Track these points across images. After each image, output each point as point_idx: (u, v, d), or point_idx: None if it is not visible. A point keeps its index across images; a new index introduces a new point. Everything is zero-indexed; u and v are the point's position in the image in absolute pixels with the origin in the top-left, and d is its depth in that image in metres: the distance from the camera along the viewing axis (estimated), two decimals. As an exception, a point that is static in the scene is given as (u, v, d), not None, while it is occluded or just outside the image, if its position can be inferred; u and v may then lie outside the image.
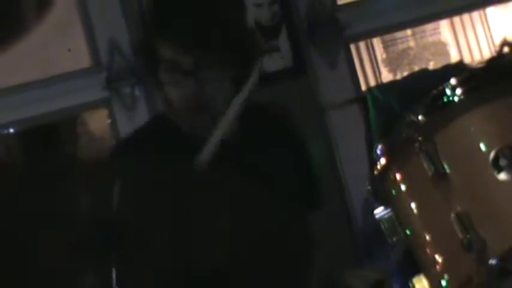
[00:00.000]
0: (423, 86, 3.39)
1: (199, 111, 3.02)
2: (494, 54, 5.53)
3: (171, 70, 3.00)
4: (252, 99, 2.96)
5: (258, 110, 3.17)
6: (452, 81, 2.49)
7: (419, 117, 2.50)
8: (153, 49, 3.02)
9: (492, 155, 2.43)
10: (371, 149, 3.88)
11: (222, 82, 3.05)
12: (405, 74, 5.82)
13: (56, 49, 4.84)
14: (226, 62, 3.03)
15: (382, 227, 2.87)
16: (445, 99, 2.49)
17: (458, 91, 2.48)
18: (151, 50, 3.04)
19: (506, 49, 3.31)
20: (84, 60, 4.75)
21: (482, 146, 2.47)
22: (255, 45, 3.24)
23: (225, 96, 3.05)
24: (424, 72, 4.91)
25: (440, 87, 2.51)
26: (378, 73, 6.11)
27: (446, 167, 2.47)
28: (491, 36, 6.25)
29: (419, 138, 2.49)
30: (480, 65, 3.39)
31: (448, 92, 2.49)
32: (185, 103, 3.03)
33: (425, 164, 2.49)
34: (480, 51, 6.31)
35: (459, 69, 4.24)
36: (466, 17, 6.12)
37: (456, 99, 2.48)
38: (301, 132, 3.21)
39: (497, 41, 6.01)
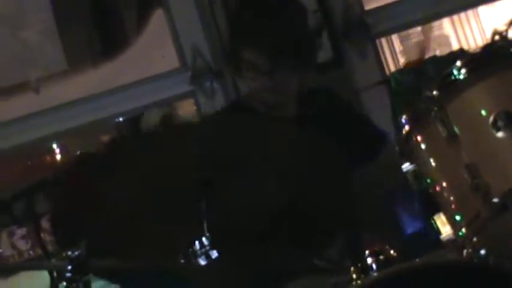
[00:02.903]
0: (433, 70, 3.39)
1: (272, 100, 3.00)
2: (487, 42, 5.49)
3: (250, 69, 2.99)
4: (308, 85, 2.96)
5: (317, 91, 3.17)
6: (458, 63, 2.48)
7: (434, 92, 2.49)
8: (237, 52, 3.00)
9: (491, 118, 2.42)
10: (396, 119, 3.88)
11: (291, 80, 3.03)
12: (418, 61, 5.78)
13: (152, 56, 4.88)
14: (296, 64, 3.01)
15: (408, 178, 2.87)
16: (453, 78, 2.48)
17: (463, 71, 2.47)
18: (235, 52, 3.02)
19: (496, 37, 3.28)
20: (173, 63, 4.77)
21: (483, 112, 2.45)
22: (317, 48, 3.22)
23: (293, 91, 3.05)
24: (433, 58, 4.89)
25: (449, 69, 2.50)
26: (397, 61, 6.09)
27: (456, 130, 2.46)
28: (482, 29, 6.22)
29: (435, 109, 2.47)
30: (477, 51, 3.36)
31: (455, 72, 2.47)
32: (261, 97, 3.02)
33: (440, 128, 2.47)
34: (474, 40, 6.27)
35: (461, 55, 4.23)
36: (462, 14, 6.08)
37: (461, 77, 2.47)
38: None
39: (488, 33, 5.97)
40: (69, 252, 2.32)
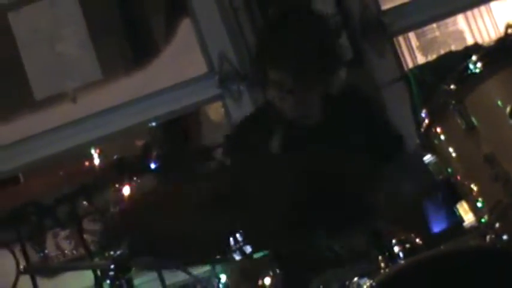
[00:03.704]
0: (450, 64, 3.37)
1: (298, 114, 2.98)
2: (500, 36, 5.45)
3: (276, 88, 2.97)
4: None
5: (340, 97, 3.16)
6: (473, 58, 2.46)
7: (452, 86, 2.48)
8: (264, 72, 2.98)
9: (508, 109, 2.40)
10: (416, 112, 3.86)
11: (314, 97, 3.02)
12: (435, 56, 5.76)
13: (181, 63, 4.88)
14: (319, 84, 3.00)
15: (431, 169, 2.86)
16: (469, 72, 2.46)
17: (479, 65, 2.45)
18: (262, 72, 3.00)
19: (509, 31, 3.25)
20: (201, 68, 4.77)
21: (500, 103, 2.43)
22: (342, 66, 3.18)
23: (317, 108, 3.03)
24: (449, 53, 4.86)
25: (465, 63, 2.49)
26: (414, 57, 6.06)
27: (474, 121, 2.44)
28: (495, 23, 6.17)
29: (453, 102, 2.46)
30: (491, 45, 3.33)
31: (471, 66, 2.46)
32: (287, 114, 3.00)
33: (458, 120, 2.46)
34: (488, 34, 6.23)
35: (475, 49, 4.19)
36: (475, 10, 6.04)
37: (477, 70, 2.45)
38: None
39: (501, 27, 5.93)
40: (112, 252, 2.33)
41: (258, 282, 2.73)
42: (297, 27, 2.97)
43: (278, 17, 3.12)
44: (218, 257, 2.59)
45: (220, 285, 3.34)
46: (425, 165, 2.98)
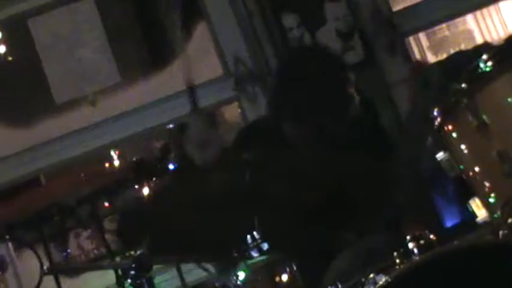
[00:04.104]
0: (460, 63, 3.35)
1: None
2: (509, 34, 5.43)
3: (291, 138, 2.91)
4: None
5: None
6: (484, 56, 2.45)
7: (463, 85, 2.47)
8: (278, 123, 2.93)
9: (519, 106, 2.40)
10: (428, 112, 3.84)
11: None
12: (445, 55, 5.75)
13: (197, 65, 4.87)
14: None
15: (443, 166, 2.85)
16: (480, 70, 2.45)
17: (489, 63, 2.44)
18: (276, 124, 2.93)
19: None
20: (217, 71, 4.77)
21: (510, 100, 2.42)
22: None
23: None
24: (460, 53, 4.83)
25: (475, 62, 2.47)
26: (424, 57, 6.05)
27: (485, 118, 2.43)
28: (504, 23, 6.15)
29: (464, 100, 2.45)
30: (501, 44, 3.31)
31: (481, 65, 2.45)
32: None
33: (470, 118, 2.45)
34: (497, 33, 6.21)
35: (485, 48, 4.17)
36: (484, 10, 6.03)
37: (488, 69, 2.44)
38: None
39: (509, 26, 5.91)
40: (133, 252, 2.34)
41: (275, 278, 2.73)
42: (312, 79, 2.90)
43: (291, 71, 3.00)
44: (236, 254, 2.59)
45: (239, 282, 3.33)
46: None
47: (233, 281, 3.15)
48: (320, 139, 2.84)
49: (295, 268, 2.67)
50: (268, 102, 3.16)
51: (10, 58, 5.05)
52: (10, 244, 4.70)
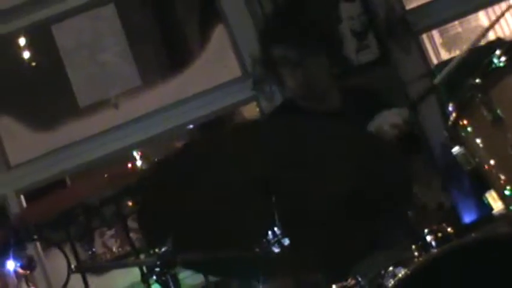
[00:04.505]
0: (474, 59, 3.32)
1: (310, 92, 3.02)
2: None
3: (283, 64, 3.02)
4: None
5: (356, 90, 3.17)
6: (497, 52, 2.44)
7: (477, 80, 2.46)
8: (268, 51, 3.05)
9: (532, 100, 2.39)
10: (443, 108, 3.83)
11: (320, 68, 3.06)
12: (458, 52, 5.72)
13: (216, 67, 4.89)
14: (321, 54, 3.04)
15: (458, 160, 2.84)
16: (494, 66, 2.44)
17: (502, 59, 2.43)
18: (267, 53, 3.07)
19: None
20: (235, 72, 4.78)
21: (524, 95, 2.42)
22: (339, 42, 3.25)
23: (325, 79, 3.07)
24: (473, 49, 4.80)
25: (489, 58, 2.46)
26: (438, 54, 6.03)
27: (500, 113, 2.42)
28: (516, 19, 6.13)
29: (479, 95, 2.44)
30: (513, 39, 3.30)
31: (495, 60, 2.44)
32: (299, 88, 3.04)
33: (485, 113, 2.43)
34: (509, 29, 6.18)
35: (498, 44, 4.15)
36: (496, 6, 5.99)
37: (501, 64, 2.43)
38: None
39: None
40: (157, 249, 2.34)
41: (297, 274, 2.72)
42: (296, 9, 3.06)
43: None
44: (257, 250, 2.58)
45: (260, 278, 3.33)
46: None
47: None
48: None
49: (316, 263, 2.66)
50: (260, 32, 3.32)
51: (34, 63, 5.08)
52: (38, 244, 4.72)
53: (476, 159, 2.60)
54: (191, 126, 5.04)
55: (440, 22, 5.08)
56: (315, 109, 3.08)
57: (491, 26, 4.50)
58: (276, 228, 2.34)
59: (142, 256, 4.24)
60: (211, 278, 3.95)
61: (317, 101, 3.09)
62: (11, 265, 3.86)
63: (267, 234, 2.36)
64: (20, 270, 3.89)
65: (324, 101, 3.11)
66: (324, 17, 3.21)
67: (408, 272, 2.28)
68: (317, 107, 3.09)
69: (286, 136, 2.23)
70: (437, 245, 2.38)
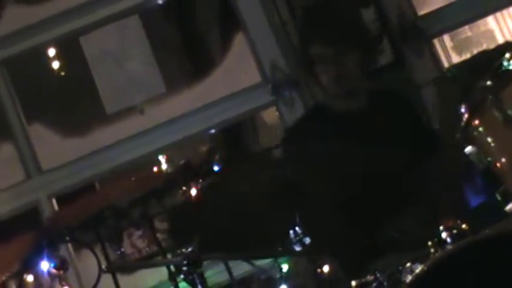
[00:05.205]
0: (484, 62, 3.31)
1: (343, 88, 3.03)
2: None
3: (320, 61, 3.03)
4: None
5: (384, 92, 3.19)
6: (507, 55, 2.43)
7: (488, 82, 2.45)
8: (307, 49, 3.07)
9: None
10: (455, 108, 3.80)
11: (354, 65, 3.07)
12: (468, 55, 5.70)
13: (236, 73, 4.90)
14: (355, 51, 3.05)
15: (471, 159, 2.83)
16: (504, 68, 2.43)
17: (512, 61, 2.43)
18: (305, 50, 3.08)
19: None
20: (256, 78, 4.78)
21: (533, 95, 2.41)
22: (371, 40, 3.28)
23: (358, 76, 3.08)
24: (483, 52, 4.79)
25: (499, 60, 2.45)
26: (449, 57, 6.00)
27: (510, 113, 2.41)
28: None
29: (490, 97, 2.44)
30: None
31: (505, 63, 2.43)
32: (334, 84, 3.04)
33: (496, 113, 2.43)
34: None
35: (507, 47, 4.13)
36: (504, 10, 5.97)
37: (511, 67, 2.43)
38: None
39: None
40: (184, 249, 2.35)
41: (317, 270, 2.73)
42: (328, 8, 3.09)
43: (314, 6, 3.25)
44: (280, 249, 2.59)
45: (282, 274, 3.34)
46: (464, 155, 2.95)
47: (277, 273, 3.16)
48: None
49: (335, 260, 2.66)
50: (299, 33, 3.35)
51: (63, 73, 5.10)
52: (70, 245, 4.75)
53: (488, 158, 2.59)
54: (213, 130, 5.04)
55: (451, 27, 5.06)
56: (346, 110, 3.08)
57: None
58: (297, 228, 2.35)
59: (169, 255, 4.24)
60: (236, 276, 3.96)
61: (348, 100, 3.10)
62: (45, 266, 3.88)
63: (289, 234, 2.37)
64: (54, 271, 3.91)
65: (354, 101, 3.11)
66: (357, 16, 3.23)
67: (425, 268, 2.27)
68: (348, 108, 3.09)
69: None
70: (453, 241, 2.37)
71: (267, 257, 3.25)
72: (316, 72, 3.07)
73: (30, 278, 3.90)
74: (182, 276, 2.49)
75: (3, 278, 3.52)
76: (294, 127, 3.24)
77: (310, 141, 2.86)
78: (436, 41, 5.54)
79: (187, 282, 2.51)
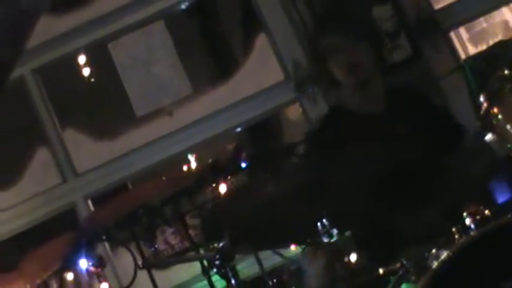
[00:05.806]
0: (501, 52, 3.28)
1: (355, 76, 3.01)
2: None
3: (333, 52, 3.03)
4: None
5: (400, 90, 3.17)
6: (523, 44, 2.42)
7: (506, 72, 2.44)
8: (318, 42, 3.06)
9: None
10: (474, 99, 3.78)
11: (364, 54, 3.05)
12: (485, 46, 5.65)
13: (260, 73, 4.90)
14: (364, 41, 3.05)
15: (492, 147, 2.80)
16: (521, 57, 2.42)
17: (529, 51, 2.41)
18: (317, 44, 3.07)
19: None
20: (279, 76, 4.77)
21: (550, 82, 2.39)
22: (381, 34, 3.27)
23: (370, 67, 3.06)
24: (500, 42, 4.75)
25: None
26: (465, 49, 5.95)
27: (528, 100, 2.40)
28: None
29: (508, 85, 2.43)
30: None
31: (521, 52, 2.42)
32: (346, 73, 3.03)
33: (514, 101, 2.43)
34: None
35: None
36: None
37: (528, 56, 2.41)
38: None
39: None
40: (216, 244, 2.36)
41: (344, 260, 2.72)
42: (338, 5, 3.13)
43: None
44: (308, 240, 2.59)
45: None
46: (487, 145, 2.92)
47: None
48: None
49: (362, 250, 2.66)
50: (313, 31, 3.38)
51: (94, 79, 5.13)
52: (107, 244, 4.78)
53: (509, 145, 2.58)
54: (239, 128, 5.05)
55: (467, 19, 5.02)
56: (364, 112, 3.05)
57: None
58: (325, 220, 2.35)
59: (201, 251, 4.25)
60: (267, 268, 3.96)
61: (366, 99, 3.07)
62: (83, 264, 3.91)
63: (317, 226, 2.37)
64: (92, 268, 3.93)
65: (371, 102, 3.09)
66: (364, 11, 3.25)
67: (450, 254, 2.26)
68: (365, 110, 3.06)
69: None
70: (476, 227, 2.35)
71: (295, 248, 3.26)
72: (329, 68, 3.06)
73: (70, 276, 3.94)
74: (215, 270, 2.49)
75: (45, 277, 3.54)
76: (314, 132, 3.23)
77: (332, 145, 2.86)
78: (452, 34, 5.51)
79: (220, 276, 2.52)
